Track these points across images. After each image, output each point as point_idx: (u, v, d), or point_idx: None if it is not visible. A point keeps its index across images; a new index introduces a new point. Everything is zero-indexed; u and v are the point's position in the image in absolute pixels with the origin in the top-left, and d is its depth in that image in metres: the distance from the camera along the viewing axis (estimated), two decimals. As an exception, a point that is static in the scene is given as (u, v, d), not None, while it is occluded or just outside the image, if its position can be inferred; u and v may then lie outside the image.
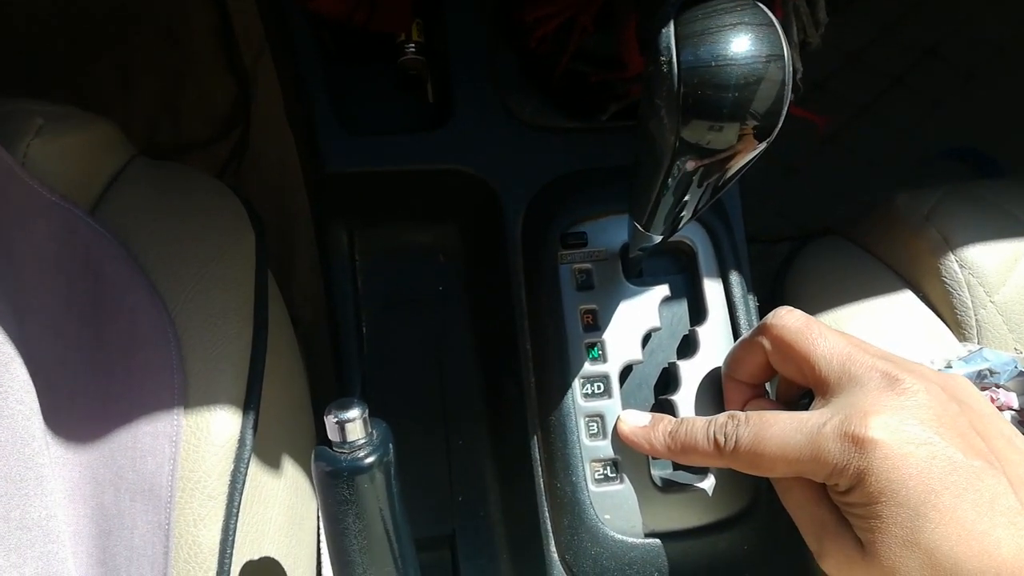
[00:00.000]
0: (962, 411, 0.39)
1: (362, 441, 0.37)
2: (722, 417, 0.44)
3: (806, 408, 0.43)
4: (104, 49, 0.95)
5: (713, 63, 0.33)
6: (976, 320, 0.57)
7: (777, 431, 0.41)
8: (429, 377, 0.63)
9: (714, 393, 0.51)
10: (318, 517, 0.55)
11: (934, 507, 0.36)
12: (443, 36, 0.59)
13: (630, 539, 0.51)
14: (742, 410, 0.46)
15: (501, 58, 0.59)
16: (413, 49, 0.60)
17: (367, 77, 0.62)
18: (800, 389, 0.47)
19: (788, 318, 0.44)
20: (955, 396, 0.40)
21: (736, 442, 0.42)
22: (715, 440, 0.43)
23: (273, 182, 0.81)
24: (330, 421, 0.37)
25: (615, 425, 0.51)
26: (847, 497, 0.39)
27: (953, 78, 1.22)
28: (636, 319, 0.53)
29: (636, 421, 0.50)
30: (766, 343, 0.45)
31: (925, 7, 1.22)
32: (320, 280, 0.65)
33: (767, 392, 0.50)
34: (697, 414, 0.51)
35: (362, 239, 0.63)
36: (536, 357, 0.54)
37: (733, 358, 0.49)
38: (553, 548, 0.52)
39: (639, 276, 0.55)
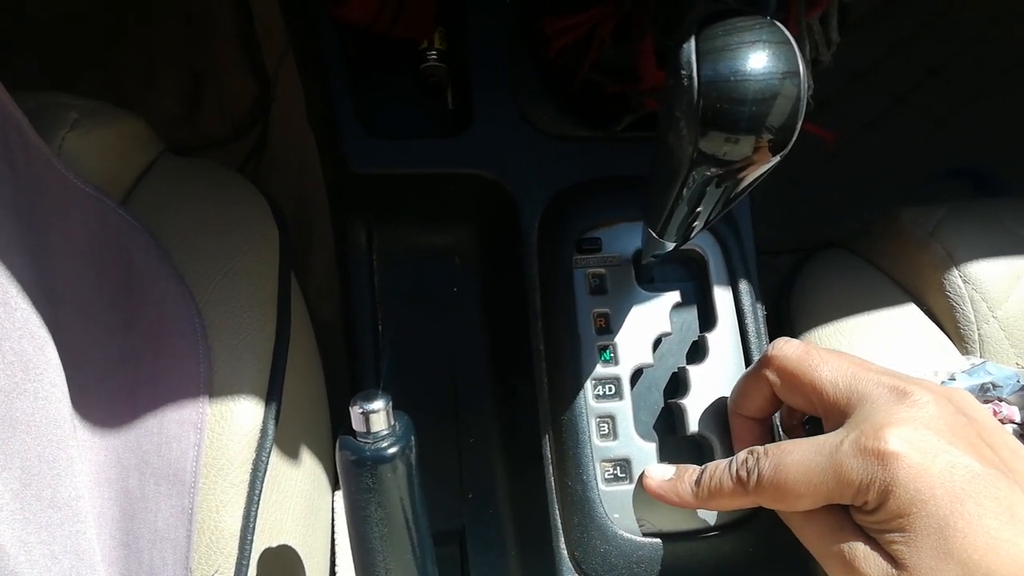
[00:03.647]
0: (969, 422, 0.39)
1: (385, 432, 0.39)
2: (742, 454, 0.44)
3: (813, 434, 0.43)
4: (126, 45, 0.97)
5: (732, 78, 0.34)
6: (979, 334, 0.58)
7: (797, 457, 0.41)
8: (442, 375, 0.64)
9: (723, 405, 0.53)
10: (333, 508, 0.56)
11: (960, 516, 0.36)
12: (465, 44, 0.61)
13: (638, 538, 0.52)
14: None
15: (521, 67, 0.61)
16: (435, 56, 0.62)
17: (389, 82, 0.64)
18: (802, 416, 0.48)
19: (787, 348, 0.45)
20: (960, 408, 0.40)
21: (759, 475, 0.42)
22: (738, 478, 0.43)
23: (292, 181, 0.82)
24: (355, 411, 0.38)
25: (640, 479, 0.51)
26: (876, 515, 0.38)
27: (956, 98, 1.23)
28: (647, 324, 0.55)
29: (661, 475, 0.50)
30: (771, 375, 0.45)
31: (930, 28, 1.24)
32: (336, 279, 0.66)
33: (774, 426, 0.50)
34: (707, 422, 0.52)
35: (380, 239, 0.64)
36: (549, 358, 0.55)
37: (739, 394, 0.49)
38: (563, 545, 0.53)
39: (651, 282, 0.56)
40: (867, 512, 0.39)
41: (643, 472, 0.51)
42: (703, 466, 0.47)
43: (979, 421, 0.40)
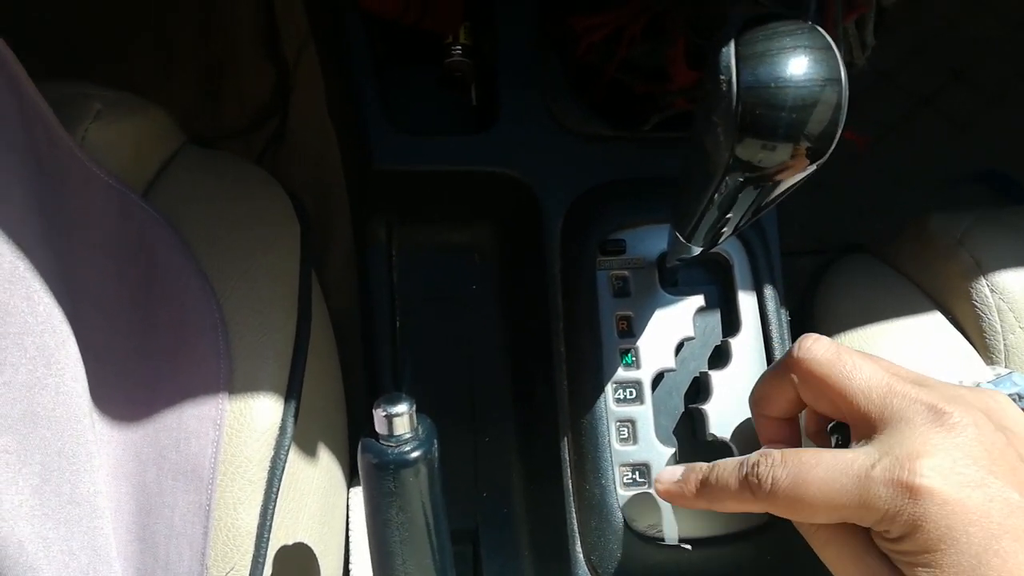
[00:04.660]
0: (1009, 441, 0.38)
1: (408, 435, 0.38)
2: (754, 456, 0.41)
3: (839, 443, 0.42)
4: (144, 35, 0.96)
5: (772, 84, 0.33)
6: (1005, 345, 0.57)
7: (820, 473, 0.38)
8: (459, 374, 0.64)
9: (745, 410, 0.52)
10: (347, 506, 0.56)
11: (996, 553, 0.34)
12: (492, 40, 0.60)
13: (656, 544, 0.52)
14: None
15: (547, 64, 0.60)
16: (460, 51, 0.61)
17: (412, 77, 0.63)
18: (827, 421, 0.45)
19: (817, 349, 0.42)
20: (1000, 423, 0.39)
21: (772, 484, 0.39)
22: (748, 482, 0.41)
23: (310, 173, 0.82)
24: (378, 414, 0.38)
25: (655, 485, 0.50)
26: (899, 545, 0.36)
27: (980, 101, 1.22)
28: (670, 327, 0.54)
29: (670, 477, 0.47)
30: (797, 379, 0.43)
31: (954, 30, 1.23)
32: (352, 272, 0.66)
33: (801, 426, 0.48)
34: (728, 428, 0.52)
35: (400, 235, 0.64)
36: (570, 360, 0.55)
37: (760, 395, 0.46)
38: (579, 548, 0.53)
39: (675, 286, 0.56)
40: (889, 540, 0.37)
41: (656, 479, 0.49)
42: (712, 463, 0.45)
43: (1016, 434, 0.38)
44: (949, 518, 0.35)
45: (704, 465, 0.45)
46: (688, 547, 0.51)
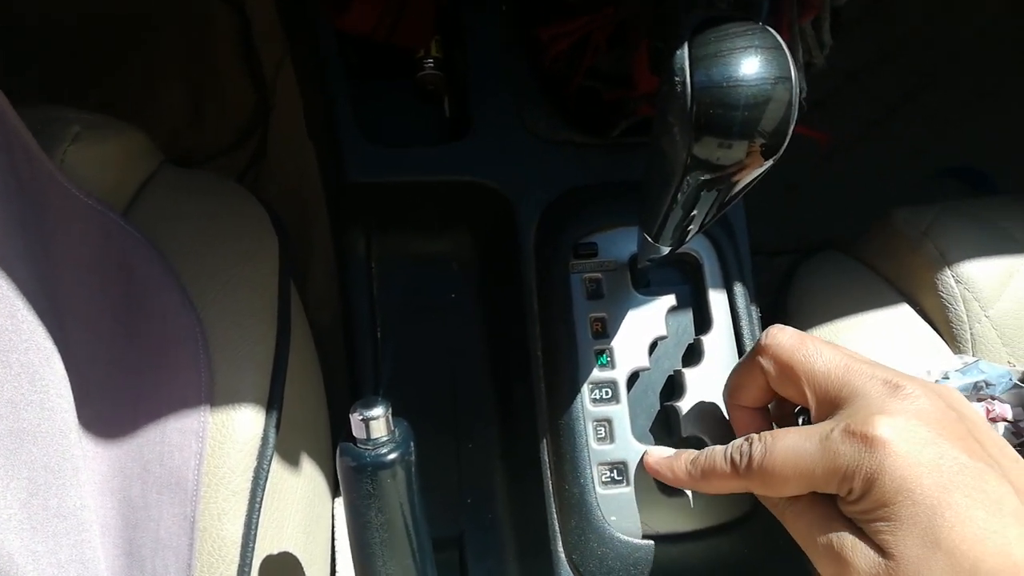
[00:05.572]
0: (960, 418, 0.40)
1: (385, 438, 0.39)
2: (739, 440, 0.45)
3: (806, 423, 0.44)
4: (124, 57, 0.97)
5: (724, 84, 0.35)
6: (971, 333, 0.59)
7: (788, 442, 0.41)
8: (441, 382, 0.65)
9: (719, 407, 0.53)
10: (333, 516, 0.57)
11: (948, 506, 0.36)
12: (463, 52, 0.61)
13: (635, 540, 0.52)
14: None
15: (517, 75, 0.61)
16: (432, 64, 0.62)
17: (386, 91, 0.64)
18: (793, 407, 0.48)
19: (781, 336, 0.45)
20: (951, 404, 0.41)
21: (750, 458, 0.42)
22: (732, 460, 0.44)
23: (290, 189, 0.83)
24: (355, 418, 0.39)
25: (641, 459, 0.52)
26: (861, 504, 0.38)
27: (949, 101, 1.24)
28: (643, 327, 0.55)
29: (660, 453, 0.50)
30: (765, 363, 0.45)
31: (923, 32, 1.25)
32: (335, 285, 0.67)
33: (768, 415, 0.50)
34: (702, 425, 0.53)
35: (379, 246, 0.65)
36: (547, 362, 0.56)
37: (734, 384, 0.49)
38: (561, 548, 0.54)
39: (647, 286, 0.57)
40: (853, 502, 0.39)
41: (644, 452, 0.52)
42: (703, 449, 0.47)
43: (969, 418, 0.41)
44: (904, 470, 0.37)
45: (695, 451, 0.48)
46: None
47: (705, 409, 0.53)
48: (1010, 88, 1.23)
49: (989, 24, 1.24)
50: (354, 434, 0.39)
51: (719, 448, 0.46)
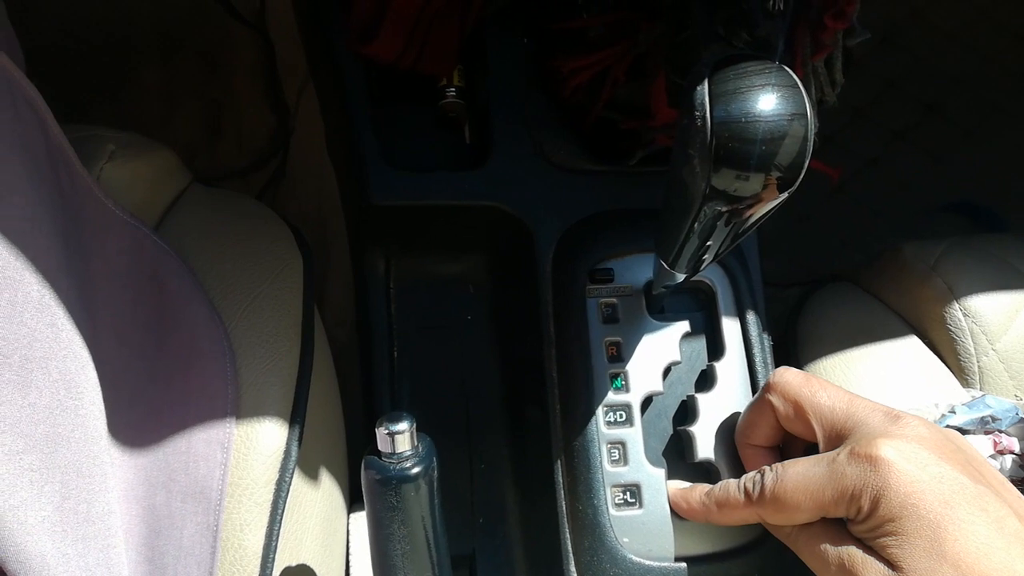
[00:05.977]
0: (958, 449, 0.42)
1: (409, 452, 0.40)
2: (751, 472, 0.47)
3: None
4: (146, 75, 0.99)
5: (743, 119, 0.36)
6: (979, 367, 0.60)
7: (799, 468, 0.43)
8: (455, 402, 0.66)
9: (731, 432, 0.54)
10: (347, 532, 0.58)
11: (951, 521, 0.37)
12: (484, 82, 0.63)
13: (647, 562, 0.53)
14: None
15: (537, 104, 0.63)
16: (454, 92, 0.64)
17: (408, 117, 0.66)
18: (803, 444, 0.50)
19: (788, 375, 0.48)
20: (950, 437, 0.43)
21: (763, 487, 0.45)
22: (745, 490, 0.46)
23: (310, 209, 0.84)
24: (381, 432, 0.40)
25: (654, 482, 0.54)
26: (869, 522, 0.40)
27: (954, 134, 1.26)
28: (657, 352, 0.56)
29: (676, 485, 0.54)
30: (775, 399, 0.48)
31: (926, 67, 1.28)
32: (351, 305, 0.68)
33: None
34: (715, 449, 0.54)
35: (397, 267, 0.67)
36: (562, 385, 0.57)
37: (746, 423, 0.51)
38: (573, 568, 0.54)
39: (661, 312, 0.58)
40: (861, 521, 0.40)
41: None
42: (717, 483, 0.50)
43: (966, 451, 0.43)
44: (907, 486, 0.39)
45: (708, 484, 0.51)
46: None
47: (717, 433, 0.54)
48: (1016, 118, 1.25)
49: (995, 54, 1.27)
50: (379, 447, 0.40)
51: (732, 480, 0.48)
